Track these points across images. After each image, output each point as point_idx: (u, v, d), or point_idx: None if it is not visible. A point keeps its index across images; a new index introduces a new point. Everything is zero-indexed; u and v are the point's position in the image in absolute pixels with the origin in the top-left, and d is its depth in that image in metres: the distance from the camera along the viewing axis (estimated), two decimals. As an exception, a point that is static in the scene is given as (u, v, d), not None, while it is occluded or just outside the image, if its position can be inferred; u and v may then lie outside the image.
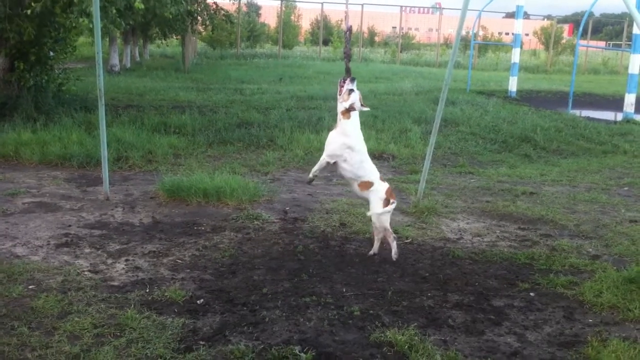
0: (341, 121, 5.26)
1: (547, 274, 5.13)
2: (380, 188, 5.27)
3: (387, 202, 5.24)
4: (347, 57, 5.57)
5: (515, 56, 18.74)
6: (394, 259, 5.28)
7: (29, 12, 9.21)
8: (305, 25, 53.90)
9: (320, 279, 4.87)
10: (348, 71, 5.42)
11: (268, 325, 4.04)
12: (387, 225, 5.32)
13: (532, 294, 4.77)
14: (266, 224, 6.23)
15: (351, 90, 5.20)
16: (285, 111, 13.09)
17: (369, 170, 5.31)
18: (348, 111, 5.21)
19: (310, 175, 5.43)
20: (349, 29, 5.71)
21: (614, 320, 4.33)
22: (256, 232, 5.98)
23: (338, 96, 5.28)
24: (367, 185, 5.29)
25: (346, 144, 5.22)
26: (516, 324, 4.25)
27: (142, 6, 9.27)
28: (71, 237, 5.60)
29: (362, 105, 5.27)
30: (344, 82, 5.24)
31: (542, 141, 11.91)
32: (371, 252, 5.45)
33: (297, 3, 54.13)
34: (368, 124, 11.88)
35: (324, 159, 5.32)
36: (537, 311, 4.47)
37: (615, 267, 5.25)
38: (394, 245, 5.33)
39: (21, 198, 6.78)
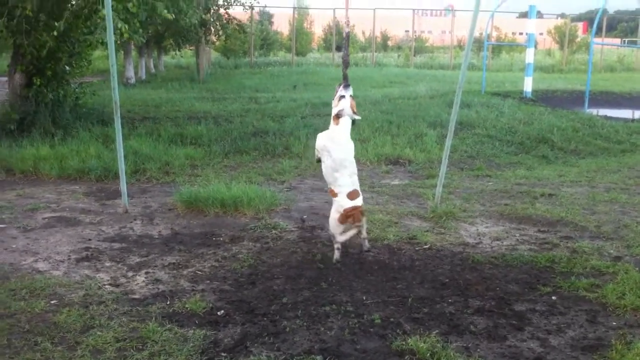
0: (331, 125, 5.37)
1: (569, 277, 5.09)
2: (342, 203, 5.26)
3: (344, 218, 5.23)
4: (345, 64, 5.71)
5: (530, 56, 18.60)
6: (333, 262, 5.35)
7: (55, 33, 9.29)
8: (318, 31, 53.96)
9: (340, 287, 4.87)
10: (345, 77, 5.49)
11: (289, 335, 4.04)
12: (337, 235, 5.33)
13: (554, 297, 4.73)
14: (284, 233, 6.24)
15: (342, 97, 5.28)
16: (300, 119, 13.10)
17: (339, 182, 5.29)
18: (337, 117, 5.28)
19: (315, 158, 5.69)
20: (347, 36, 5.86)
21: (638, 323, 4.29)
22: (274, 241, 5.99)
23: (333, 101, 5.40)
24: (333, 193, 5.39)
25: (326, 147, 5.31)
26: (539, 328, 4.22)
27: (171, 17, 9.35)
28: (91, 251, 5.64)
29: (354, 112, 5.33)
30: (337, 88, 5.36)
31: (560, 142, 11.85)
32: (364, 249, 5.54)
33: (309, 10, 54.28)
34: (383, 129, 11.89)
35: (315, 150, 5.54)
36: (560, 315, 4.43)
37: (637, 268, 5.20)
38: (336, 253, 5.38)
39: (41, 213, 6.84)
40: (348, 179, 5.30)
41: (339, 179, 5.28)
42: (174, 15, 9.38)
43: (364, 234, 5.45)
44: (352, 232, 5.34)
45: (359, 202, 5.32)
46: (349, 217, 5.23)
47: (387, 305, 4.54)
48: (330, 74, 26.63)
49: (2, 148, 9.49)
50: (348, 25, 5.85)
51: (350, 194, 5.27)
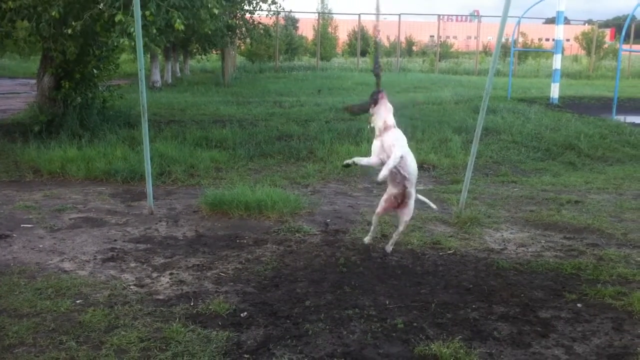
0: (394, 129, 5.58)
1: (595, 285, 5.02)
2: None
3: None
4: (378, 77, 5.91)
5: (557, 62, 18.45)
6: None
7: (69, 31, 9.38)
8: (342, 36, 54.01)
9: (363, 291, 4.86)
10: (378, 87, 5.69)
11: (311, 338, 4.04)
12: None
13: (579, 305, 4.68)
14: (308, 237, 6.24)
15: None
16: (325, 123, 13.11)
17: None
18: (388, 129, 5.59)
19: (355, 160, 5.65)
20: (376, 44, 6.04)
21: (666, 332, 4.22)
22: (298, 244, 6.00)
23: (374, 108, 5.56)
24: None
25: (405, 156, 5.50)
26: (564, 335, 4.17)
27: (182, 27, 9.35)
28: (117, 252, 5.70)
29: None
30: (382, 96, 5.50)
31: (587, 148, 11.71)
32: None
33: (334, 15, 54.36)
34: (407, 134, 11.81)
35: (397, 155, 5.32)
36: (585, 322, 4.38)
37: (665, 277, 5.12)
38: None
39: (68, 214, 6.93)
40: None
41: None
42: (183, 27, 9.30)
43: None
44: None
45: None
46: None
47: (410, 310, 4.52)
48: (355, 78, 26.61)
49: (30, 149, 9.62)
50: (378, 32, 5.89)
51: None
